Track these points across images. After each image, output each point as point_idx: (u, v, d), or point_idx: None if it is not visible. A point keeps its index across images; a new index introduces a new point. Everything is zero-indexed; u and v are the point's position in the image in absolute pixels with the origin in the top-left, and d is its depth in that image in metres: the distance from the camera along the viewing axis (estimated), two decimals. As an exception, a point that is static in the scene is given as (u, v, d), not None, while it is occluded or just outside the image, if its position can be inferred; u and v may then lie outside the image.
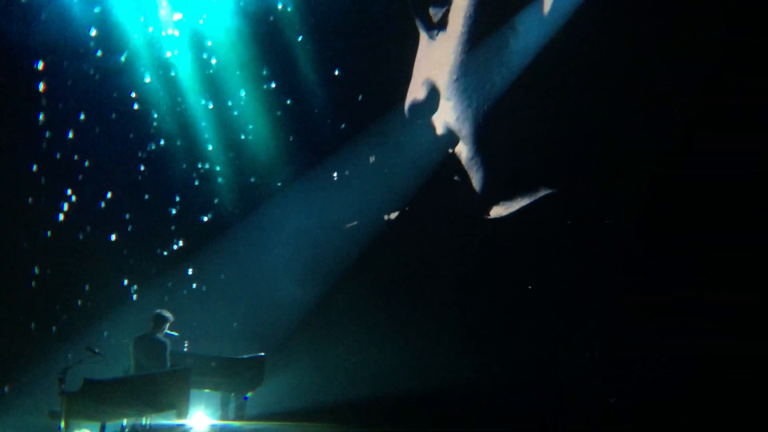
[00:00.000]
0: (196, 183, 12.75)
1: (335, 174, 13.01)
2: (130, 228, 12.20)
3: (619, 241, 11.33)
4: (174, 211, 12.61)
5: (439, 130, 12.71)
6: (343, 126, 13.06)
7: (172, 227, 12.60)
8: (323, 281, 12.56)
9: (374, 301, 12.48)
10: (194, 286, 12.28)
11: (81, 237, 11.79)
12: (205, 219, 12.76)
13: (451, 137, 12.63)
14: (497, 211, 12.38)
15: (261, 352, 10.21)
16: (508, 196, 12.35)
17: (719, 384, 9.71)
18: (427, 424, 10.12)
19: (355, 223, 13.00)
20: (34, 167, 11.48)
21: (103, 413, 7.62)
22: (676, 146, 10.93)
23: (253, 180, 12.98)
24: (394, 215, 13.00)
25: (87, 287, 11.78)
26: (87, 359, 7.94)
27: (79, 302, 11.68)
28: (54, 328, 11.44)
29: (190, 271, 12.35)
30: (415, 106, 12.84)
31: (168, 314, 8.67)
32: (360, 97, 12.97)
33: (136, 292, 11.91)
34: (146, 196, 12.39)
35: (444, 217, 12.57)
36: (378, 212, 13.02)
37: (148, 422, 8.22)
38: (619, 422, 9.72)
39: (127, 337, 8.64)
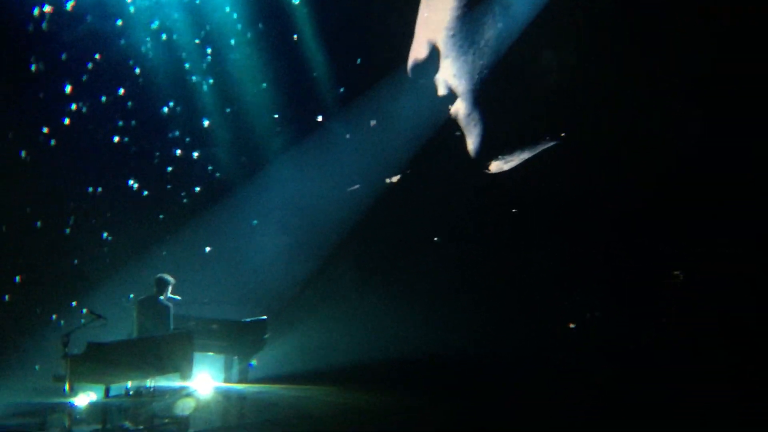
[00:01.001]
0: (197, 147, 12.59)
1: (336, 137, 12.91)
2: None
3: (623, 197, 11.21)
4: (175, 175, 12.50)
5: (441, 90, 12.57)
6: (342, 90, 12.92)
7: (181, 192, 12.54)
8: (324, 245, 12.52)
9: (376, 265, 12.47)
10: (196, 249, 12.21)
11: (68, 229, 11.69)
12: (206, 183, 12.63)
13: (452, 95, 12.51)
14: (498, 166, 12.28)
15: (263, 315, 10.21)
16: (509, 150, 12.24)
17: (715, 354, 9.72)
18: (434, 390, 10.16)
19: (357, 186, 12.93)
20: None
21: (107, 376, 7.63)
22: (677, 104, 10.82)
23: (253, 144, 12.84)
24: (395, 178, 12.93)
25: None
26: (90, 323, 7.92)
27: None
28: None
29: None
30: (417, 66, 12.70)
31: (170, 278, 8.66)
32: (359, 61, 12.80)
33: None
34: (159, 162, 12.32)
35: (445, 177, 12.46)
36: (380, 175, 12.94)
37: (152, 384, 8.23)
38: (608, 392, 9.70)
39: (130, 300, 8.64)
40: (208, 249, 12.35)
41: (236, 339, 9.63)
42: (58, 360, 7.46)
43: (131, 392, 8.15)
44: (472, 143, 12.42)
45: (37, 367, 9.76)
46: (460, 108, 12.44)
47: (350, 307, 12.38)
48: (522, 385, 9.84)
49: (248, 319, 9.91)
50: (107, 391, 7.81)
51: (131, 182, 11.99)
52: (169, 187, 12.37)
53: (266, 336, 10.19)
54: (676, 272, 11.12)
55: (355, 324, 12.18)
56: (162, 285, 8.54)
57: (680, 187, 10.91)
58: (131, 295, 11.02)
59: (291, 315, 12.01)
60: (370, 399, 9.80)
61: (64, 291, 11.01)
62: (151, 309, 8.37)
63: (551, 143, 11.91)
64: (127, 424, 8.00)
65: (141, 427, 7.91)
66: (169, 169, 12.41)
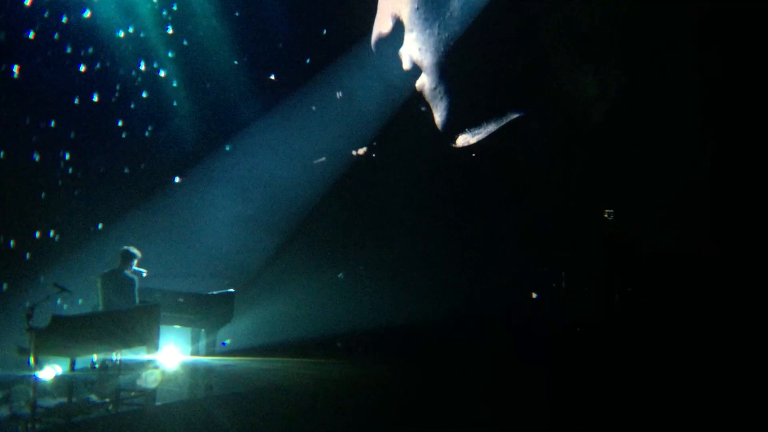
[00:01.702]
0: (161, 118, 12.39)
1: (302, 109, 12.81)
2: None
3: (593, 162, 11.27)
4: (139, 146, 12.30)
5: (406, 64, 12.55)
6: (308, 60, 12.81)
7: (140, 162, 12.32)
8: (290, 219, 12.49)
9: (344, 237, 12.49)
10: (161, 222, 12.08)
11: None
12: (169, 155, 12.46)
13: (417, 69, 12.51)
14: (465, 139, 12.31)
15: (230, 288, 10.19)
16: (475, 123, 12.26)
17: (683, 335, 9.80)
18: (403, 360, 10.25)
19: (323, 159, 12.90)
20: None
21: (72, 349, 7.54)
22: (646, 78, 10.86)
23: (219, 116, 12.67)
24: (362, 150, 12.92)
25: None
26: (54, 295, 7.84)
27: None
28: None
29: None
30: (381, 39, 12.64)
31: (135, 251, 8.60)
32: (324, 32, 12.69)
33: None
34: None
35: (412, 150, 12.47)
36: (346, 147, 12.90)
37: (118, 358, 8.18)
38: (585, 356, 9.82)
39: (96, 274, 8.55)
40: (177, 179, 12.25)
41: (203, 312, 9.58)
42: (22, 331, 7.38)
43: (97, 365, 8.05)
44: (438, 117, 12.42)
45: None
46: (425, 82, 12.43)
47: (318, 279, 12.39)
48: (489, 358, 9.97)
49: (215, 292, 9.87)
50: (73, 364, 7.73)
51: (94, 95, 11.64)
52: (132, 106, 12.06)
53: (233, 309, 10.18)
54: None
55: (324, 296, 12.21)
56: (127, 258, 8.48)
57: (650, 161, 10.98)
58: (99, 225, 11.09)
59: (259, 287, 11.99)
60: (339, 370, 9.89)
61: (27, 223, 10.91)
62: (116, 282, 8.31)
63: (517, 114, 11.93)
64: (93, 397, 7.99)
65: (107, 400, 7.90)
66: (146, 93, 12.15)
